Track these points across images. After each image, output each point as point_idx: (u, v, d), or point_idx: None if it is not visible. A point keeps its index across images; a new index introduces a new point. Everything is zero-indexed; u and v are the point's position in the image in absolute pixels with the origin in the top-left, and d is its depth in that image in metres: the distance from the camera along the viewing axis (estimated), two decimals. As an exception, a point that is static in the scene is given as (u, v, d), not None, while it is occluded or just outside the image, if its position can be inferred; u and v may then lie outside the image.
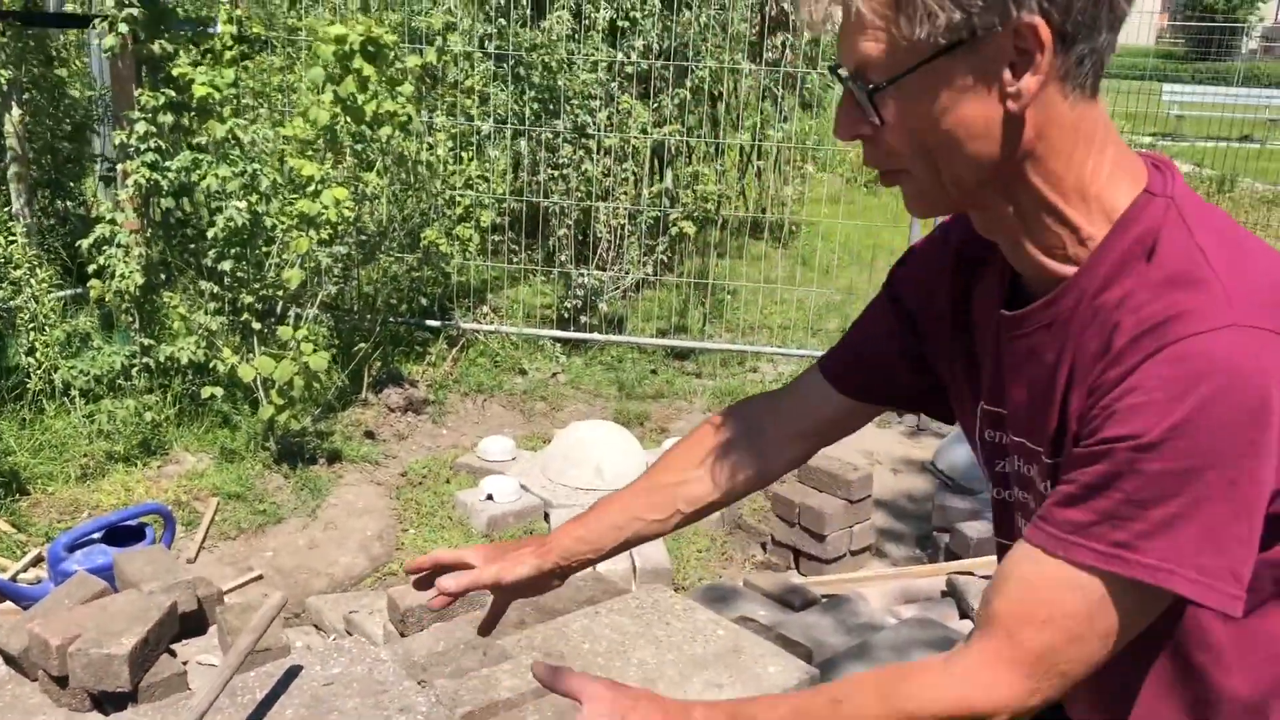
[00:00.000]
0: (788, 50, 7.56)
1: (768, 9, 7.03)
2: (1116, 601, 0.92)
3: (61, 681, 2.31)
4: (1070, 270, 0.98)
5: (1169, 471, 0.87)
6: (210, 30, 4.81)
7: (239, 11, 5.12)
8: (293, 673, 2.24)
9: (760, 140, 7.11)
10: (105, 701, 2.21)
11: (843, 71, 0.96)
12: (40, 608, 2.48)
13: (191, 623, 2.61)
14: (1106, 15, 0.90)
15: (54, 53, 6.07)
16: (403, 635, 2.75)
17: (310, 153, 4.37)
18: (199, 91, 3.86)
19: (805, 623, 3.11)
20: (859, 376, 1.28)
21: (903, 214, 5.64)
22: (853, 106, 0.96)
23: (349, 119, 4.04)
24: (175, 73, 3.92)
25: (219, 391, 4.05)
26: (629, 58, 6.01)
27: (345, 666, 2.28)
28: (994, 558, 1.21)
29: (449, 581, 1.30)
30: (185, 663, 2.45)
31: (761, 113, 7.10)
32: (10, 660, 2.41)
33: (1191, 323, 0.88)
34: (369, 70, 3.90)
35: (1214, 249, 0.92)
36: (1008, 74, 0.90)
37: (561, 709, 2.30)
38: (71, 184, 5.81)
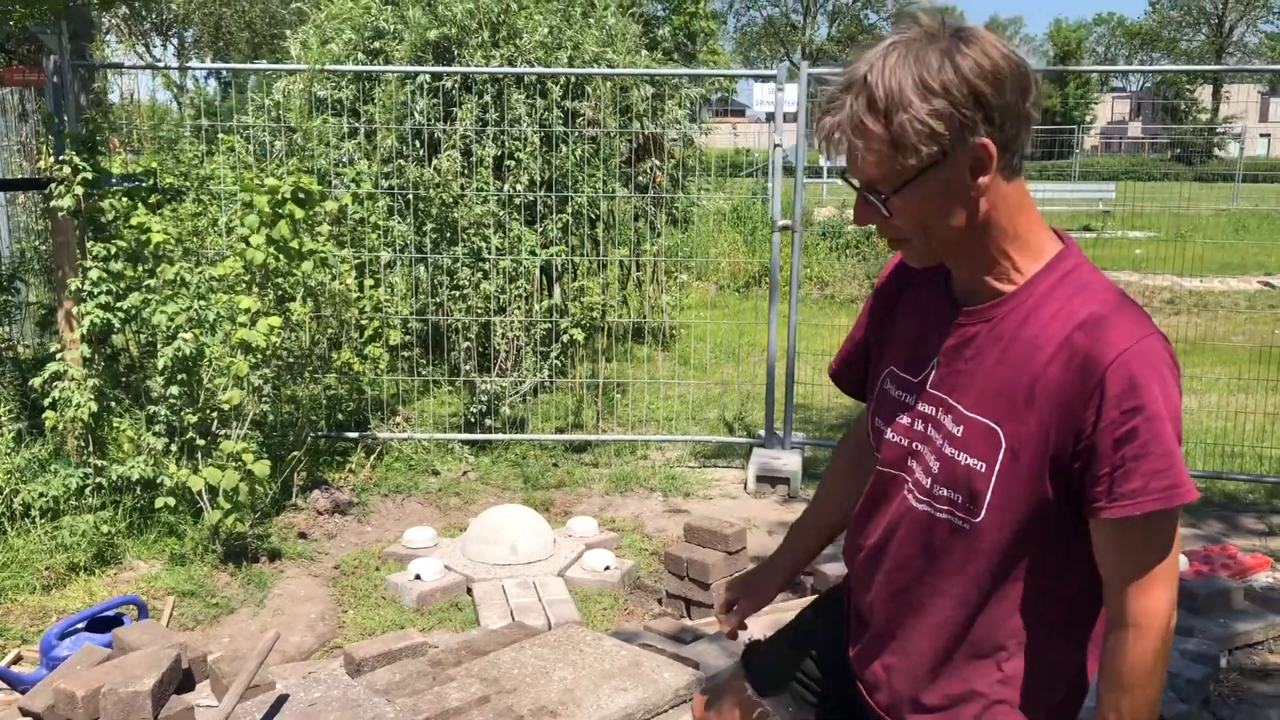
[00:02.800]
0: (655, 173, 8.46)
1: (635, 139, 7.92)
2: (1176, 520, 1.44)
3: (85, 727, 2.80)
4: (1008, 288, 1.50)
5: (1169, 429, 1.38)
6: (139, 183, 5.42)
7: (154, 165, 5.75)
8: (281, 699, 2.80)
9: (637, 255, 7.93)
10: (129, 735, 2.71)
11: (855, 181, 1.44)
12: (58, 673, 2.97)
13: (182, 680, 3.11)
14: (1026, 127, 1.42)
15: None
16: (361, 679, 3.29)
17: (240, 287, 4.97)
18: (155, 238, 4.47)
19: (695, 650, 3.73)
20: (849, 375, 1.82)
21: (765, 314, 6.45)
22: (865, 204, 1.45)
23: (282, 257, 4.67)
24: (135, 222, 4.52)
25: (171, 501, 4.54)
26: (515, 190, 6.78)
27: (324, 692, 2.84)
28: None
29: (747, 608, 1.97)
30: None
31: (636, 230, 7.94)
32: (37, 719, 2.88)
33: (1137, 332, 1.40)
34: (300, 213, 4.57)
35: (1118, 289, 1.49)
36: (969, 175, 1.41)
37: (500, 711, 2.89)
38: (4, 327, 6.26)
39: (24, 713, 2.94)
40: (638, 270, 8.52)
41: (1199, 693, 3.49)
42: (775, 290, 6.17)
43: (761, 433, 6.39)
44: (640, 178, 8.11)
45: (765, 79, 6.18)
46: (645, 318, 8.42)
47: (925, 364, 1.58)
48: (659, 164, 8.43)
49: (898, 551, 1.63)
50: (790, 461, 5.92)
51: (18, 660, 3.89)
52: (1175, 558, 1.46)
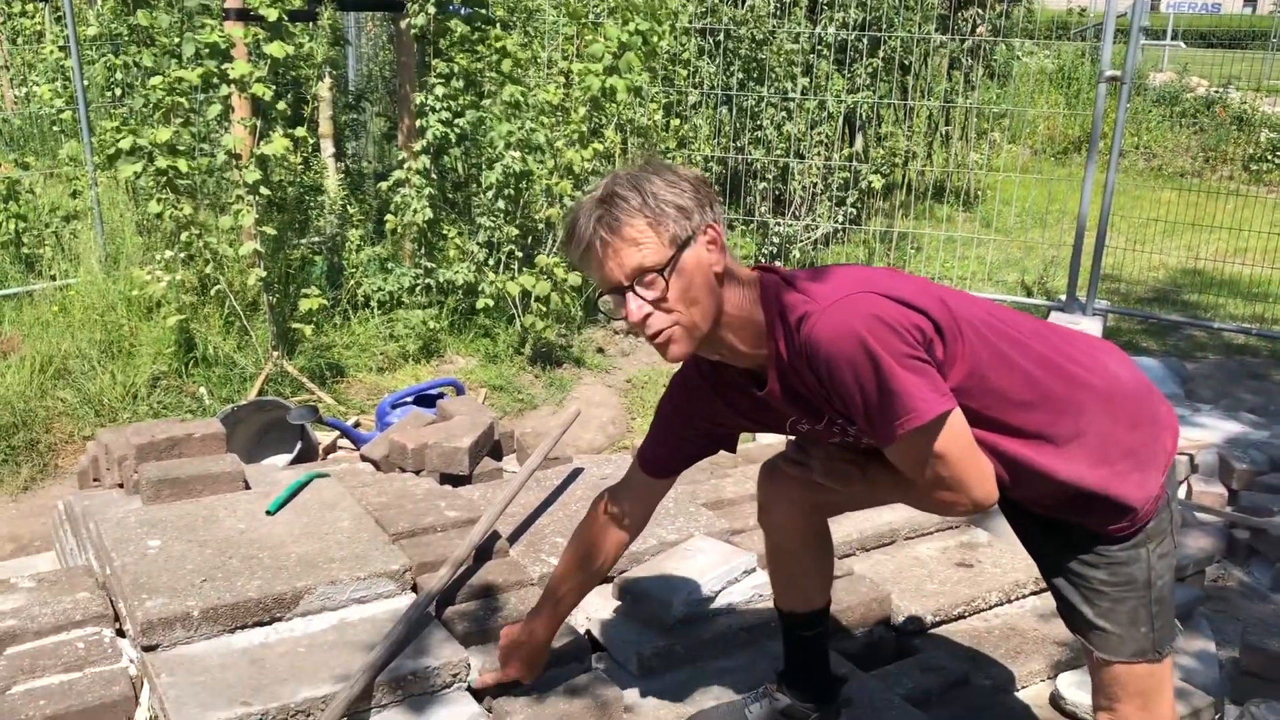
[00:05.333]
0: (978, 25, 8.06)
1: (958, -15, 7.56)
2: (929, 436, 1.67)
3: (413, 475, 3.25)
4: (764, 353, 1.77)
5: (878, 383, 1.62)
6: (470, 10, 5.78)
7: (486, -3, 6.08)
8: (576, 471, 3.12)
9: (948, 106, 7.66)
10: (448, 482, 3.13)
11: (624, 282, 1.68)
12: (392, 429, 3.44)
13: (493, 448, 3.51)
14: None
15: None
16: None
17: (558, 115, 5.27)
18: (514, 51, 4.88)
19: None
20: (673, 466, 2.07)
21: (1080, 181, 6.11)
22: (635, 300, 1.69)
23: (619, 83, 4.93)
24: (494, 36, 4.93)
25: (489, 304, 5.00)
26: (826, 30, 6.69)
27: (614, 470, 3.13)
28: None
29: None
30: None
31: (950, 79, 7.64)
32: (374, 464, 3.37)
33: (815, 323, 1.65)
34: (655, 44, 4.84)
35: (805, 283, 1.72)
36: (711, 253, 1.69)
37: (771, 508, 3.08)
38: (351, 143, 6.96)
39: (364, 458, 3.43)
40: (946, 124, 8.24)
41: None
42: (1094, 149, 5.83)
43: (1062, 297, 6.15)
44: (960, 25, 7.75)
45: (1110, -84, 5.71)
46: (949, 174, 8.18)
47: (781, 413, 1.86)
48: (982, 13, 8.01)
49: None
50: (1090, 327, 5.68)
51: (357, 425, 4.49)
52: (934, 462, 1.70)
